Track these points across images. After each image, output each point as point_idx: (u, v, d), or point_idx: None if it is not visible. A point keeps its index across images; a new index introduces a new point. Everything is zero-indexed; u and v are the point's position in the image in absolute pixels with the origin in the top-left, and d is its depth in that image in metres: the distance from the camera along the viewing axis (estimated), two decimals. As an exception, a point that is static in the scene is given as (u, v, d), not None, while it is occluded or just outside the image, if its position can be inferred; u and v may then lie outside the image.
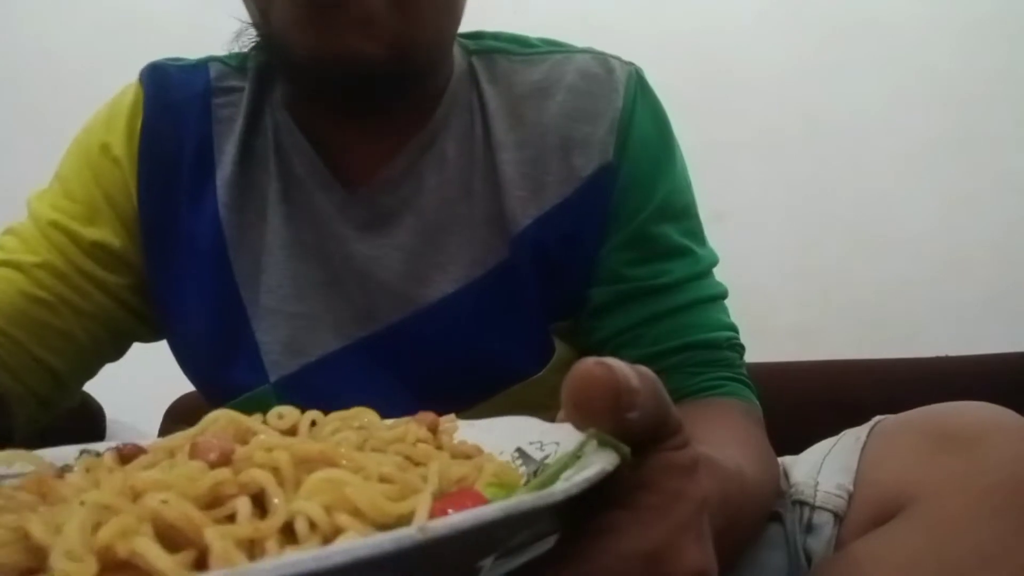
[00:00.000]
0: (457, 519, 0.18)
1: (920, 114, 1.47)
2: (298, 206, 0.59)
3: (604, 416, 0.23)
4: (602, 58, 0.60)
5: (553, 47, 0.62)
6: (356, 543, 0.17)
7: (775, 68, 1.48)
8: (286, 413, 0.29)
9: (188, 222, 0.60)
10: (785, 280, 1.45)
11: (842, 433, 0.53)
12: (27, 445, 0.34)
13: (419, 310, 0.58)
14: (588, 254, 0.58)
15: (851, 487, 0.47)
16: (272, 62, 0.58)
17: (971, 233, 1.46)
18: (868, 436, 0.50)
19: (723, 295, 0.61)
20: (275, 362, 0.58)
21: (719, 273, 0.64)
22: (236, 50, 0.60)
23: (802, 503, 0.48)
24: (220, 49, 0.62)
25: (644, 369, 0.25)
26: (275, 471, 0.22)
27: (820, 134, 1.48)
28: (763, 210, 1.48)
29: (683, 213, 0.60)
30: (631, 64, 0.60)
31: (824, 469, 0.50)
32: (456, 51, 0.61)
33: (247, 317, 0.59)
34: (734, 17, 1.49)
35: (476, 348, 0.58)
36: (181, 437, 0.27)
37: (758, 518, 0.46)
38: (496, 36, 0.64)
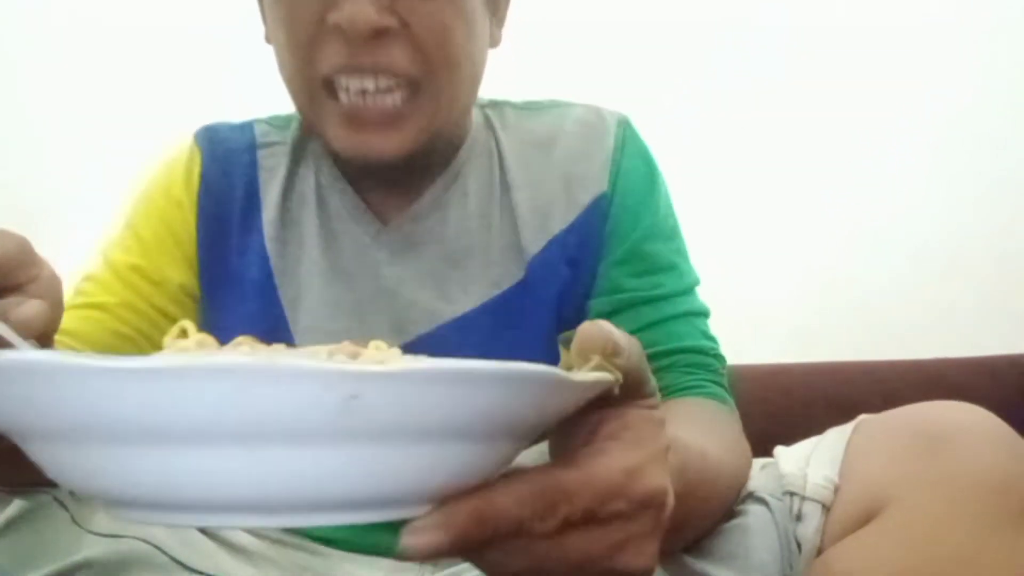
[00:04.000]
0: (513, 365, 0.27)
1: (921, 115, 1.47)
2: (336, 237, 0.68)
3: (594, 354, 0.32)
4: (594, 109, 0.71)
5: (552, 103, 0.73)
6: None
7: (779, 68, 1.48)
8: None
9: (237, 257, 0.69)
10: (785, 281, 1.45)
11: (828, 431, 0.56)
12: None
13: (444, 324, 0.66)
14: (590, 271, 0.67)
15: (837, 479, 0.50)
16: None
17: (972, 235, 1.46)
18: (852, 433, 0.53)
19: (707, 313, 0.69)
20: None
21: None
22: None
23: (792, 493, 0.51)
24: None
25: (632, 338, 0.34)
26: None
27: (822, 135, 1.48)
28: (765, 211, 1.48)
29: (670, 234, 0.70)
30: (619, 113, 0.72)
31: (812, 462, 0.52)
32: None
33: (292, 336, 0.67)
34: (737, 21, 1.49)
35: (492, 356, 0.64)
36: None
37: (721, 490, 0.50)
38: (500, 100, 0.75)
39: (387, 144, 0.59)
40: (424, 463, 0.27)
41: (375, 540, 0.65)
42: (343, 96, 0.57)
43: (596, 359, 0.32)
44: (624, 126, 0.70)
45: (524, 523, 0.29)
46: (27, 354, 0.24)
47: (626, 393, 0.33)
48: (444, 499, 0.29)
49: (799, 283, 1.45)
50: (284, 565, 0.62)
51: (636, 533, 0.31)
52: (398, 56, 0.57)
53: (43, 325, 0.39)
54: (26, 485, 0.50)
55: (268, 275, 0.68)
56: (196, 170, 0.69)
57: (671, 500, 0.33)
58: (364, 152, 0.59)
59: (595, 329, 0.33)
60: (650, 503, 0.31)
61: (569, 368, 0.31)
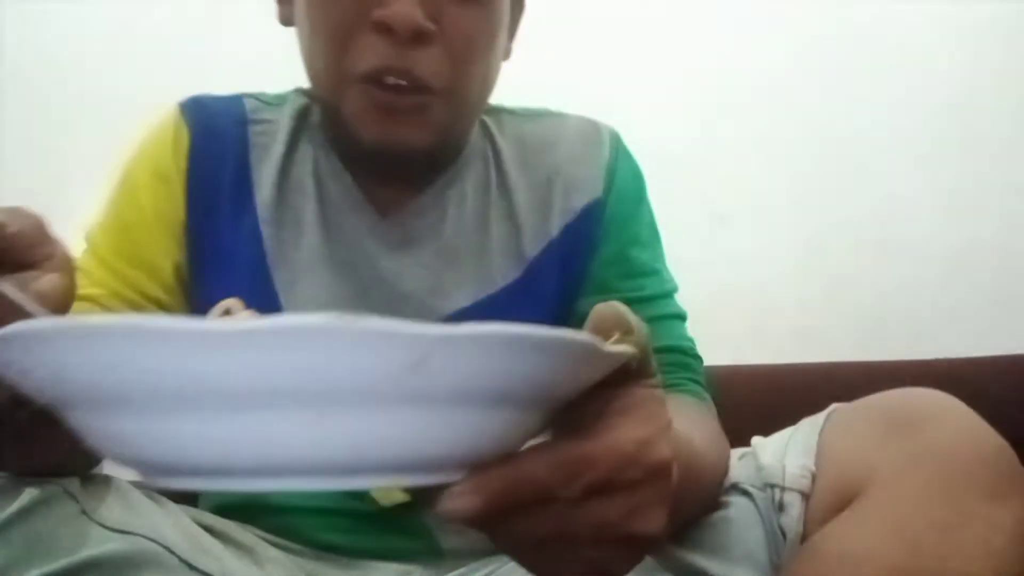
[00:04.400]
0: (542, 328, 0.27)
1: (922, 115, 1.47)
2: (334, 226, 0.68)
3: (613, 332, 0.34)
4: (590, 120, 0.75)
5: (547, 112, 0.77)
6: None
7: (778, 70, 1.48)
8: None
9: (228, 238, 0.67)
10: (787, 281, 1.45)
11: (801, 421, 0.58)
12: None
13: (437, 320, 0.65)
14: (581, 272, 0.70)
15: (813, 467, 0.52)
16: (335, 134, 0.68)
17: (975, 234, 1.46)
18: (825, 421, 0.55)
19: (685, 316, 0.72)
20: None
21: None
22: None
23: (772, 485, 0.53)
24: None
25: (640, 320, 0.35)
26: None
27: (822, 136, 1.48)
28: (766, 212, 1.48)
29: (653, 243, 0.74)
30: (611, 127, 0.76)
31: (788, 452, 0.54)
32: None
33: None
34: (737, 19, 1.49)
35: None
36: None
37: (704, 478, 0.52)
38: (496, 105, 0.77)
39: (414, 136, 0.61)
40: (471, 427, 0.29)
41: (386, 545, 0.64)
42: (376, 89, 0.59)
43: (617, 335, 0.34)
44: (617, 139, 0.75)
45: (551, 488, 0.31)
46: (110, 319, 0.24)
47: (632, 372, 0.35)
48: (478, 466, 0.30)
49: (800, 283, 1.45)
50: (290, 568, 0.62)
51: (648, 500, 0.34)
52: (431, 62, 0.59)
53: (60, 299, 0.40)
54: (36, 472, 0.50)
55: (262, 257, 0.67)
56: (184, 143, 0.68)
57: (676, 470, 0.35)
58: (391, 141, 0.61)
59: (611, 309, 0.35)
60: (660, 472, 0.34)
61: None
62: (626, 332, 0.34)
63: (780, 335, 1.36)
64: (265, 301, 0.66)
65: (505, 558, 0.64)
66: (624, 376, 0.34)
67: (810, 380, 1.16)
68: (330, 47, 0.60)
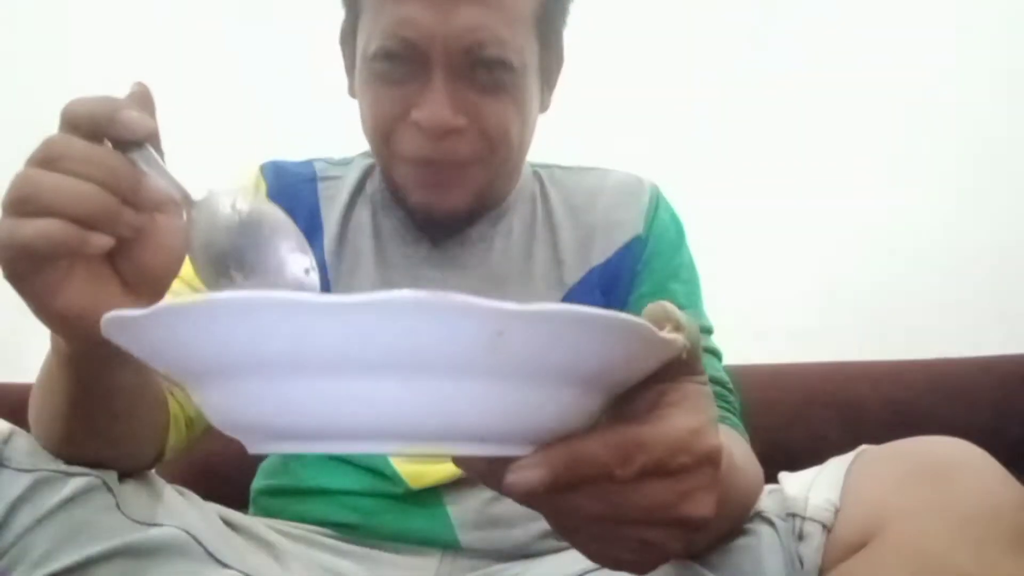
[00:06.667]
0: (598, 310, 0.29)
1: (922, 115, 1.48)
2: (388, 255, 0.78)
3: (664, 325, 0.36)
4: (632, 175, 0.84)
5: (594, 168, 0.85)
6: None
7: (779, 69, 1.49)
8: None
9: None
10: (786, 281, 1.46)
11: (829, 460, 0.59)
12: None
13: None
14: (620, 302, 0.76)
15: (838, 502, 0.53)
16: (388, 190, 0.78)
17: (973, 234, 1.46)
18: (853, 461, 0.56)
19: (720, 355, 0.76)
20: None
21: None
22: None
23: (795, 515, 0.54)
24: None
25: (690, 318, 0.37)
26: None
27: (821, 134, 1.49)
28: (764, 211, 1.49)
29: (690, 282, 0.80)
30: (653, 182, 0.83)
31: (814, 486, 0.56)
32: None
33: None
34: (736, 17, 1.50)
35: None
36: None
37: (742, 492, 0.54)
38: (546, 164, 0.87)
39: (454, 201, 0.71)
40: (542, 403, 0.31)
41: (405, 527, 0.69)
42: (418, 169, 0.69)
43: (668, 327, 0.36)
44: (656, 190, 0.82)
45: (608, 468, 0.33)
46: (228, 294, 0.28)
47: (682, 368, 0.37)
48: (543, 443, 0.33)
49: (799, 284, 1.46)
50: (309, 565, 0.65)
51: (698, 485, 0.36)
52: (465, 147, 0.68)
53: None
54: (88, 463, 0.54)
55: (326, 286, 0.75)
56: (263, 196, 0.77)
57: (725, 458, 0.37)
58: (435, 206, 0.71)
59: (661, 307, 0.37)
60: (709, 458, 0.36)
61: None
62: (676, 328, 0.36)
63: (780, 335, 1.37)
64: None
65: (523, 563, 0.66)
66: (675, 371, 0.37)
67: (810, 380, 1.17)
68: (378, 134, 0.71)
